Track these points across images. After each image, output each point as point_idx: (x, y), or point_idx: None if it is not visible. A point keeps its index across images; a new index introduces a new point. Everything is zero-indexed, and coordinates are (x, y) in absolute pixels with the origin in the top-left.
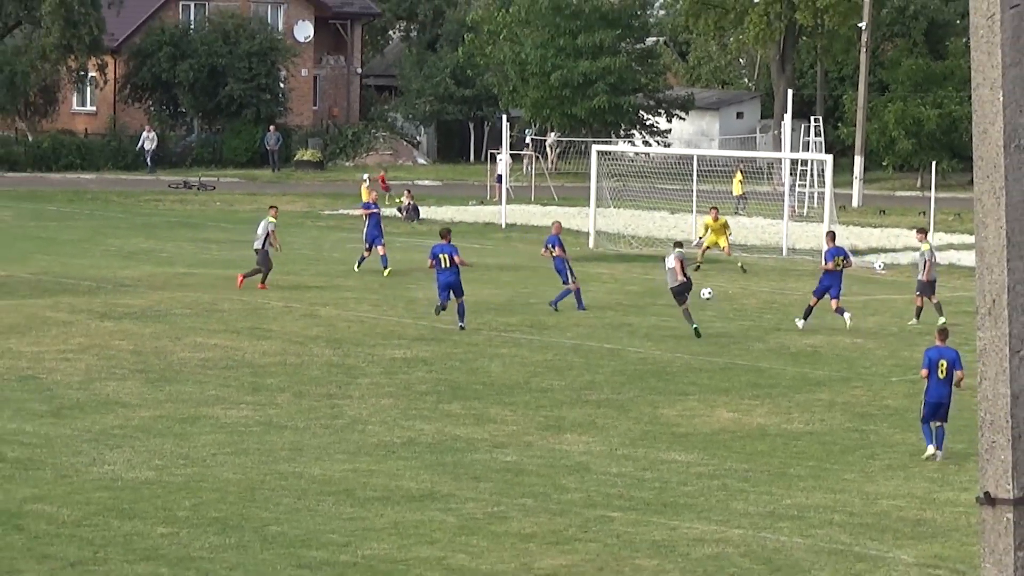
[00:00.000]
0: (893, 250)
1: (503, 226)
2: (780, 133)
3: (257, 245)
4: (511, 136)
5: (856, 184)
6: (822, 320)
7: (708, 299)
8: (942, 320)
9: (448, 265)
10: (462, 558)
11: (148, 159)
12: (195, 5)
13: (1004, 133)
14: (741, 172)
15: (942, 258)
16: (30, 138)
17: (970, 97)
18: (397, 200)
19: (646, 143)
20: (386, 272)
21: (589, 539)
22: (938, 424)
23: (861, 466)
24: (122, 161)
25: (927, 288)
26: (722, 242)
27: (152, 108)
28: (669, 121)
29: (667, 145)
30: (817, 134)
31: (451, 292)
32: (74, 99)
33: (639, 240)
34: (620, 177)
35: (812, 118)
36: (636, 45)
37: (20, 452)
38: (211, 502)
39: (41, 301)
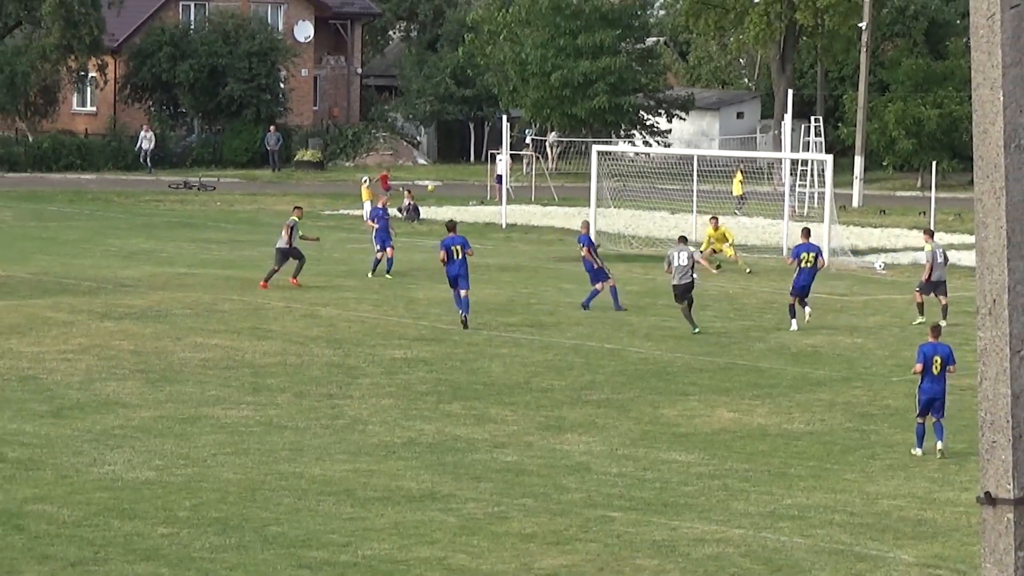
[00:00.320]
0: (893, 250)
1: (503, 226)
2: (780, 133)
3: (281, 244)
4: (511, 136)
5: (856, 184)
6: (822, 320)
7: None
8: (942, 321)
9: (459, 257)
10: (462, 558)
11: (147, 159)
12: (195, 5)
13: (1004, 133)
14: (741, 172)
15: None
16: (30, 138)
17: (970, 97)
18: (404, 192)
19: (646, 143)
20: (388, 275)
21: (590, 539)
22: (935, 420)
23: (862, 466)
24: (122, 161)
25: (926, 287)
26: (727, 251)
27: (152, 108)
28: (669, 121)
29: (667, 145)
30: (817, 134)
31: (457, 283)
32: (74, 99)
33: (639, 240)
34: (620, 177)
35: (812, 118)
36: (636, 45)
37: (21, 452)
38: (211, 502)
39: (42, 301)
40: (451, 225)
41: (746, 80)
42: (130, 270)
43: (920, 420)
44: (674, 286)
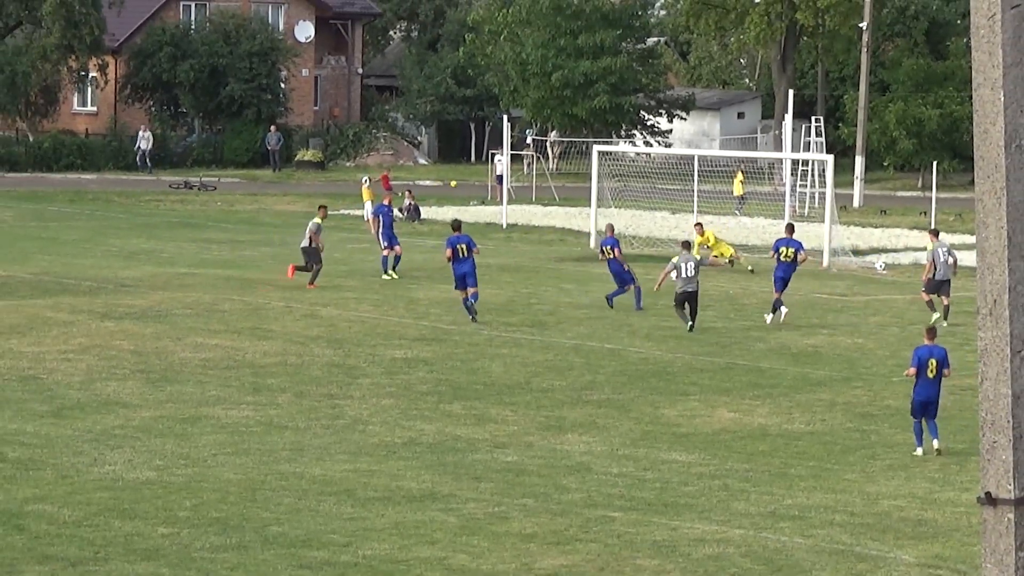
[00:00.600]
0: (894, 250)
1: (504, 226)
2: (781, 133)
3: (304, 243)
4: (512, 136)
5: (857, 184)
6: (823, 320)
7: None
8: (943, 322)
9: (465, 255)
10: (463, 558)
11: (146, 159)
12: (196, 5)
13: (1005, 133)
14: (742, 172)
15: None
16: (31, 138)
17: (971, 97)
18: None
19: (647, 143)
20: (394, 272)
21: (590, 539)
22: (928, 421)
23: (862, 466)
24: (123, 161)
25: (930, 286)
26: (725, 251)
27: (153, 108)
28: (670, 121)
29: (668, 145)
30: (818, 134)
31: (465, 281)
32: (75, 99)
33: (640, 240)
34: (621, 177)
35: (813, 118)
36: (637, 45)
37: (21, 452)
38: (212, 502)
39: (42, 301)
40: (456, 224)
41: (747, 80)
42: (131, 270)
43: (916, 420)
44: (678, 292)
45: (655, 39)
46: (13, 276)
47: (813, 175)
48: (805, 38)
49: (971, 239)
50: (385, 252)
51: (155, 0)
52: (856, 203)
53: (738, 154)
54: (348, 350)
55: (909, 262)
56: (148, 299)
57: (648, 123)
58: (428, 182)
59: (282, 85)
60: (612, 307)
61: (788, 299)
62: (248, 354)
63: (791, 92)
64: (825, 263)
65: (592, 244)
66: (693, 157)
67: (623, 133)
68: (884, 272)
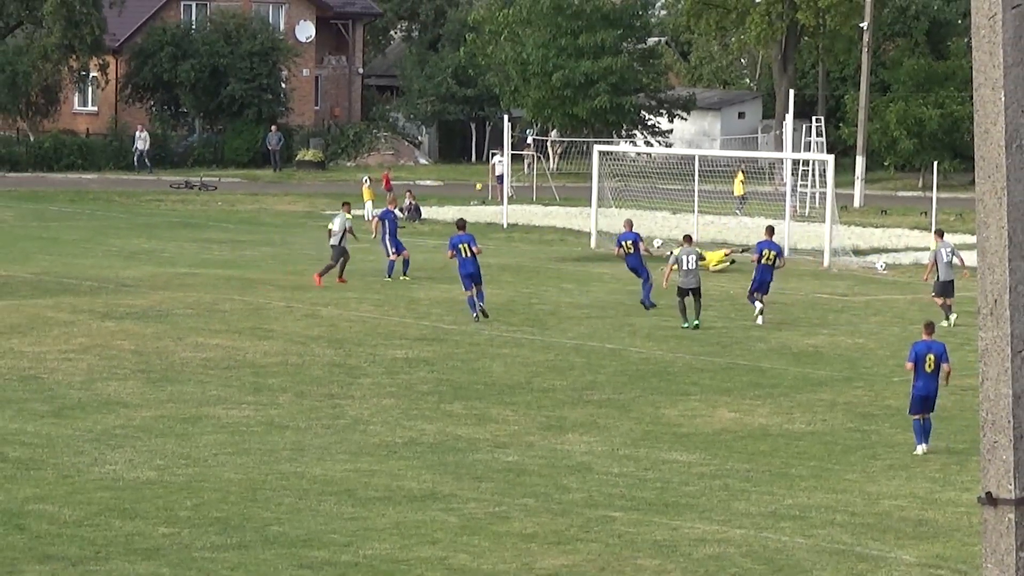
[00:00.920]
0: (895, 250)
1: (505, 226)
2: (782, 133)
3: (334, 241)
4: (513, 136)
5: (858, 184)
6: (824, 320)
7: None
8: (945, 322)
9: (468, 255)
10: (464, 558)
11: (144, 158)
12: (196, 5)
13: (1006, 133)
14: (743, 172)
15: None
16: (32, 138)
17: (972, 97)
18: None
19: (648, 143)
20: (388, 277)
21: (591, 539)
22: (925, 416)
23: (863, 466)
24: (124, 161)
25: (937, 288)
26: (712, 259)
27: (153, 108)
28: (671, 121)
29: (669, 145)
30: (819, 134)
31: (472, 280)
32: (75, 99)
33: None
34: (622, 177)
35: (814, 118)
36: (638, 45)
37: (22, 452)
38: (213, 502)
39: (43, 301)
40: (461, 223)
41: (747, 80)
42: (131, 270)
43: (915, 417)
44: (679, 288)
45: (656, 39)
46: (14, 276)
47: (814, 175)
48: (806, 38)
49: (972, 239)
50: (392, 257)
51: (156, 0)
52: (857, 203)
53: (739, 154)
54: (349, 350)
55: (910, 262)
56: (149, 299)
57: (649, 123)
58: (429, 182)
59: (283, 85)
60: (655, 305)
61: (790, 299)
62: (249, 354)
63: (792, 92)
64: (826, 263)
65: (593, 244)
66: (694, 157)
67: (624, 133)
68: (885, 272)
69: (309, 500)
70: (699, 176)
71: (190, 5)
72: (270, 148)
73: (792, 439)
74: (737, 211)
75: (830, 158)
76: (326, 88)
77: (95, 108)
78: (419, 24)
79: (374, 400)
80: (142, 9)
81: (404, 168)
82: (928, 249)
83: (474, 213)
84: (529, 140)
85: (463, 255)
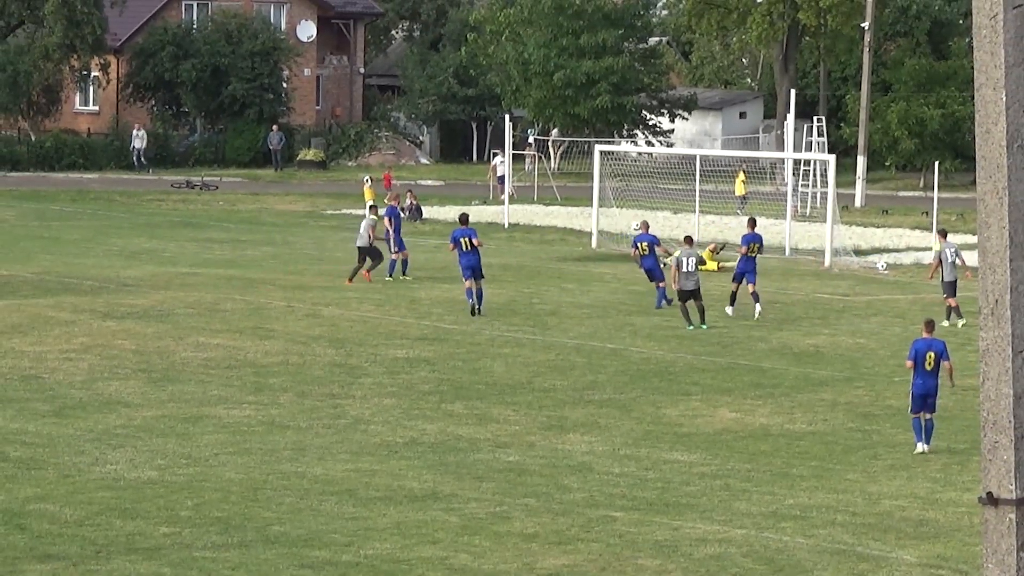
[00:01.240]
0: (896, 250)
1: (506, 226)
2: (783, 133)
3: (361, 243)
4: (514, 136)
5: (859, 184)
6: (824, 320)
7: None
8: (946, 322)
9: (469, 248)
10: (465, 558)
11: (140, 157)
12: (198, 5)
13: (1007, 133)
14: (744, 172)
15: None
16: (33, 138)
17: (973, 97)
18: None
19: (649, 143)
20: (390, 276)
21: (592, 539)
22: (927, 417)
23: (864, 466)
24: (125, 161)
25: (947, 288)
26: (711, 265)
27: (155, 108)
28: (672, 121)
29: (670, 145)
30: (820, 134)
31: (472, 274)
32: (77, 99)
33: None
34: (623, 177)
35: (815, 118)
36: (639, 45)
37: (23, 452)
38: (214, 502)
39: (44, 301)
40: (463, 218)
41: (749, 80)
42: (132, 270)
43: (914, 415)
44: (680, 290)
45: (657, 39)
46: (15, 275)
47: (815, 175)
48: (807, 38)
49: (973, 239)
50: (394, 256)
51: (157, 0)
52: (858, 203)
53: (740, 154)
54: (350, 350)
55: (911, 262)
56: (150, 299)
57: (650, 123)
58: (430, 182)
59: (284, 85)
60: (672, 301)
61: (791, 298)
62: (250, 354)
63: (793, 92)
64: (827, 263)
65: (594, 244)
66: (695, 157)
67: (625, 133)
68: (886, 272)
69: (310, 500)
70: (700, 176)
71: (191, 5)
72: (271, 148)
73: (793, 439)
74: (738, 211)
75: (831, 158)
76: (327, 88)
77: (96, 108)
78: (420, 24)
79: (375, 400)
80: (143, 9)
81: (405, 168)
82: (930, 249)
83: (475, 213)
84: (530, 140)
85: (463, 248)
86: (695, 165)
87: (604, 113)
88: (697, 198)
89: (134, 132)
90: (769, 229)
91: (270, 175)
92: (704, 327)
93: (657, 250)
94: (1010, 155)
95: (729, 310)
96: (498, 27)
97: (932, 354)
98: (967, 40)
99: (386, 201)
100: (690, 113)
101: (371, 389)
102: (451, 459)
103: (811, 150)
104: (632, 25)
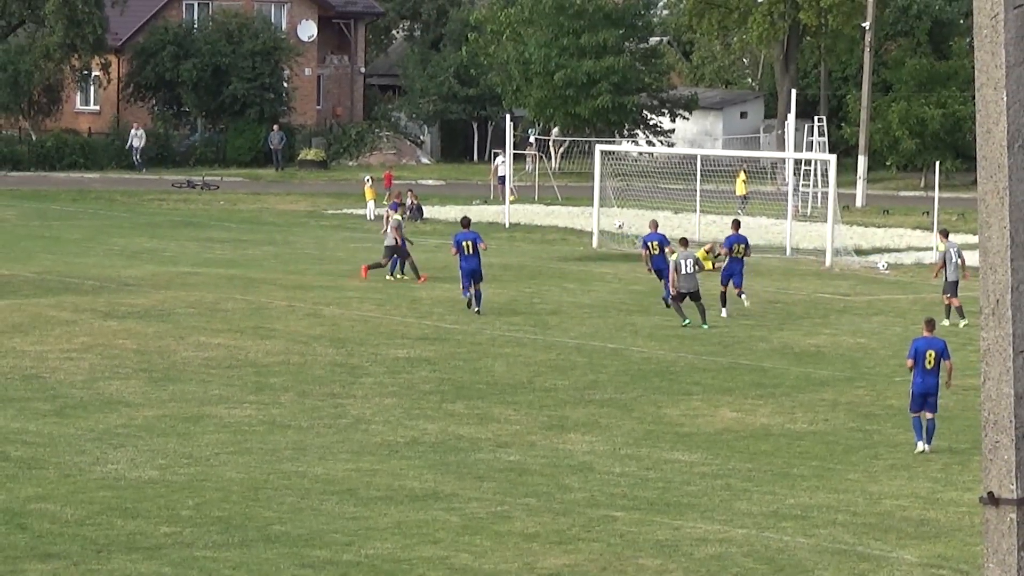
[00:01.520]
0: (897, 250)
1: (507, 225)
2: (784, 133)
3: (389, 242)
4: (514, 136)
5: (860, 184)
6: (826, 320)
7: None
8: (945, 321)
9: (471, 252)
10: (465, 557)
11: (137, 157)
12: (199, 4)
13: (1008, 133)
14: (744, 172)
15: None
16: (34, 137)
17: (974, 97)
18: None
19: (650, 143)
20: (390, 276)
21: (592, 539)
22: (929, 417)
23: (865, 466)
24: (125, 160)
25: (948, 288)
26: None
27: (155, 107)
28: (673, 121)
29: (671, 145)
30: (821, 134)
31: (472, 278)
32: (78, 98)
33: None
34: (624, 177)
35: (816, 118)
36: (640, 45)
37: (24, 451)
38: (214, 501)
39: (45, 300)
40: (465, 221)
41: (749, 80)
42: (133, 269)
43: (914, 414)
44: (679, 291)
45: (658, 39)
46: (16, 275)
47: (816, 175)
48: (808, 38)
49: (974, 239)
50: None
51: None
52: (859, 203)
53: (741, 154)
54: (351, 349)
55: (912, 262)
56: (151, 298)
57: (651, 123)
58: (431, 181)
59: (285, 84)
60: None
61: (792, 298)
62: (251, 353)
63: (794, 92)
64: (828, 263)
65: (595, 244)
66: (696, 157)
67: (626, 132)
68: (887, 272)
69: (311, 499)
70: (701, 176)
71: (192, 4)
72: (272, 147)
73: (794, 439)
74: (739, 211)
75: (832, 158)
76: (328, 87)
77: (97, 107)
78: (421, 23)
79: (376, 399)
80: (144, 8)
81: (406, 168)
82: (931, 249)
83: (476, 212)
84: (531, 140)
85: (465, 252)
86: (696, 165)
87: (605, 113)
88: (698, 198)
89: (132, 131)
90: (770, 229)
91: (271, 175)
92: (705, 326)
93: (666, 250)
94: (1011, 155)
95: (723, 312)
96: (499, 27)
97: (932, 352)
98: (968, 40)
99: (385, 201)
100: (691, 113)
101: (372, 389)
102: (452, 459)
103: (812, 150)
104: (633, 25)
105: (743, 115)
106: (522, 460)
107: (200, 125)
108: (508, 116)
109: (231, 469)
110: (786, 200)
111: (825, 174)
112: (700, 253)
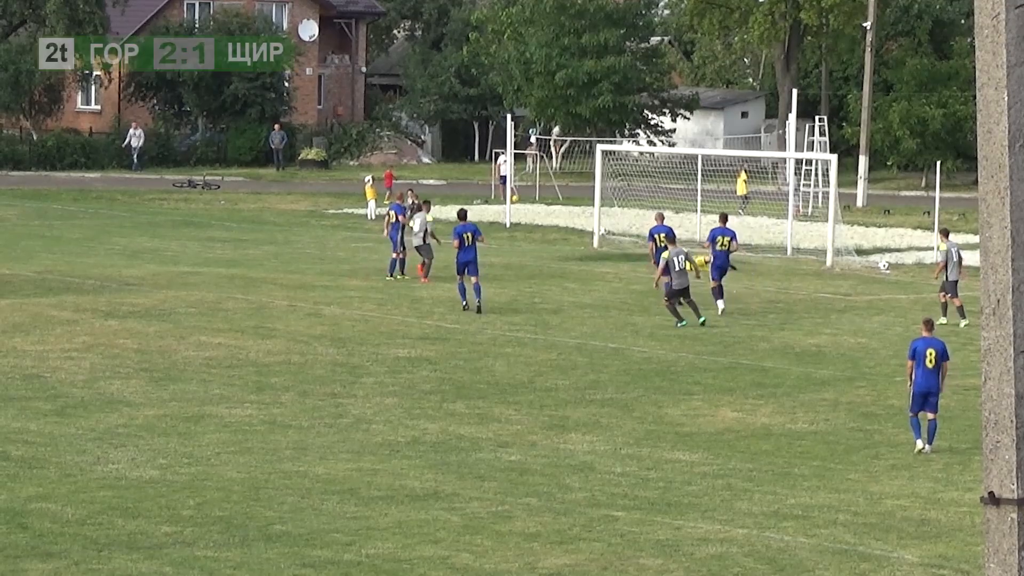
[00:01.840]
0: (898, 250)
1: (507, 225)
2: (785, 133)
3: (417, 242)
4: (515, 135)
5: (860, 184)
6: (826, 320)
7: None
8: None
9: (470, 243)
10: (466, 557)
11: (135, 156)
12: (199, 4)
13: (1008, 133)
14: (745, 172)
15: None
16: (35, 137)
17: (975, 97)
18: (386, 201)
19: (651, 142)
20: (391, 275)
21: (593, 538)
22: (930, 417)
23: (865, 466)
24: (126, 160)
25: (949, 287)
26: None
27: (156, 107)
28: (674, 120)
29: (672, 144)
30: (822, 134)
31: (467, 270)
32: (79, 98)
33: (643, 239)
34: (625, 176)
35: (817, 118)
36: (641, 44)
37: (24, 451)
38: (215, 501)
39: (45, 300)
40: (462, 213)
41: (750, 80)
42: (134, 269)
43: (913, 414)
44: (672, 289)
45: (659, 38)
46: (17, 274)
47: (817, 175)
48: (809, 37)
49: (975, 239)
50: (394, 255)
51: None
52: (860, 203)
53: (742, 153)
54: (351, 349)
55: (913, 262)
56: (152, 298)
57: (652, 122)
58: (432, 181)
59: (286, 84)
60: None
61: (792, 298)
62: (251, 353)
63: (795, 91)
64: (829, 263)
65: (596, 243)
66: (697, 156)
67: (627, 132)
68: (888, 272)
69: (312, 499)
70: (702, 175)
71: (193, 4)
72: (273, 147)
73: (795, 439)
74: (740, 211)
75: (833, 158)
76: (329, 87)
77: (98, 107)
78: (422, 23)
79: (377, 399)
80: (145, 8)
81: (407, 167)
82: (932, 249)
83: (477, 212)
84: (532, 139)
85: (464, 243)
86: (697, 165)
87: (606, 112)
88: (699, 198)
89: (131, 131)
90: (771, 229)
91: (272, 174)
92: (702, 320)
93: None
94: (1012, 155)
95: (720, 304)
96: (500, 26)
97: (933, 352)
98: (969, 40)
99: (386, 201)
100: (692, 113)
101: (373, 388)
102: (453, 458)
103: (813, 150)
104: (634, 24)
105: (744, 115)
106: (523, 460)
107: (201, 124)
108: (509, 116)
109: (232, 469)
110: (787, 200)
111: (826, 174)
112: (699, 260)
